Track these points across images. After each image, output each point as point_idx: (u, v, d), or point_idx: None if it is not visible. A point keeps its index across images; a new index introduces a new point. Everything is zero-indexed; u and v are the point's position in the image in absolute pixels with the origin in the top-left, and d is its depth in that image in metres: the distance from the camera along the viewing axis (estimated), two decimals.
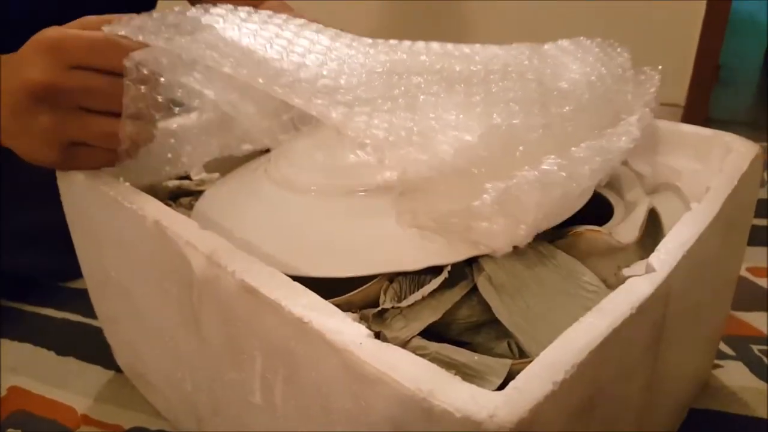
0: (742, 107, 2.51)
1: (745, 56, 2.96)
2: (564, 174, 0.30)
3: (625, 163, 0.43)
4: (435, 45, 0.43)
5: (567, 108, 0.36)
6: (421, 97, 0.35)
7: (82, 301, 0.52)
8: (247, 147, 0.43)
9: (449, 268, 0.32)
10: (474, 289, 0.32)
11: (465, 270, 0.33)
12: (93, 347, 0.52)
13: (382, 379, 0.23)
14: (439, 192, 0.31)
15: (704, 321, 0.41)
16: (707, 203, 0.34)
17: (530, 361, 0.23)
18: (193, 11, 0.39)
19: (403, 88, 0.36)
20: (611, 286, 0.31)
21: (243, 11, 0.40)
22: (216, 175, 0.50)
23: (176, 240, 0.32)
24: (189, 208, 0.44)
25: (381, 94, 0.34)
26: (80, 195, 0.41)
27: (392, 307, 0.32)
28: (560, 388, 0.22)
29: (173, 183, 0.48)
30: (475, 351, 0.30)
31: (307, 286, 0.28)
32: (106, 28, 0.37)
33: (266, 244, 0.35)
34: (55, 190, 0.43)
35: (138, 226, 0.35)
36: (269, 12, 0.41)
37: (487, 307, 0.31)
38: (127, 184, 0.38)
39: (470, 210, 0.29)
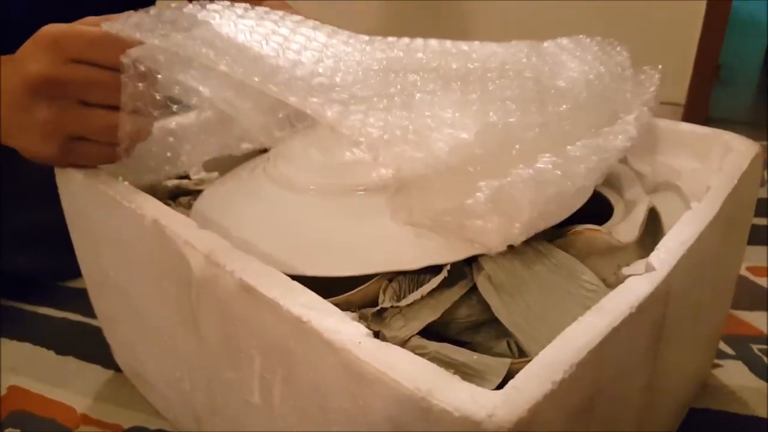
0: (742, 106, 2.52)
1: (745, 56, 2.97)
2: (559, 172, 0.30)
3: (624, 162, 0.43)
4: (433, 42, 0.43)
5: (564, 106, 0.36)
6: (418, 95, 0.35)
7: (81, 301, 0.52)
8: (246, 146, 0.43)
9: (448, 267, 0.32)
10: (473, 289, 0.32)
11: (464, 269, 0.33)
12: (92, 347, 0.52)
13: (380, 378, 0.22)
14: (434, 189, 0.31)
15: (704, 320, 0.41)
16: (707, 202, 0.34)
17: (529, 361, 0.23)
18: (190, 7, 0.39)
19: (399, 86, 0.35)
20: (611, 286, 0.31)
21: (240, 7, 0.40)
22: (215, 174, 0.50)
23: (175, 239, 0.32)
24: (188, 208, 0.44)
25: (377, 92, 0.34)
26: (79, 194, 0.41)
27: (391, 307, 0.31)
28: (559, 388, 0.22)
29: (172, 182, 0.48)
30: (474, 350, 0.30)
31: (305, 286, 0.28)
32: (104, 25, 0.37)
33: (265, 244, 0.35)
34: (55, 190, 0.43)
35: (136, 226, 0.35)
36: (266, 8, 0.41)
37: (486, 307, 0.31)
38: (126, 183, 0.38)
39: (464, 208, 0.29)
